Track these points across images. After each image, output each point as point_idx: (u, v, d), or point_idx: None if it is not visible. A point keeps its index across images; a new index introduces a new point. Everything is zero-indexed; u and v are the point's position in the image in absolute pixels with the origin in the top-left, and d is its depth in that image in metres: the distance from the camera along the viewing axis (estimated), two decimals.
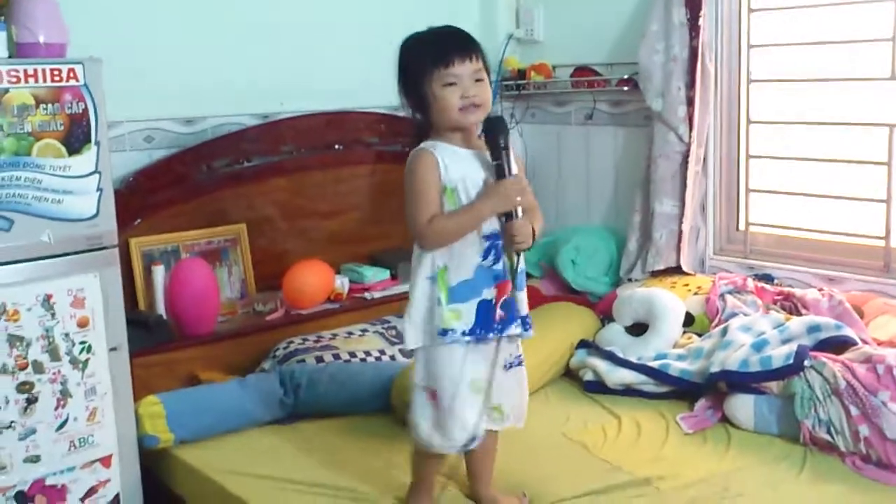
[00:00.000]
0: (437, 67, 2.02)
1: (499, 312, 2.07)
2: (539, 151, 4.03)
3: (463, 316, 2.05)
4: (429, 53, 2.05)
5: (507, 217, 2.04)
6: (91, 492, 2.44)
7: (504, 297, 2.07)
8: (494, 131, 2.04)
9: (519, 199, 2.02)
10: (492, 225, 2.06)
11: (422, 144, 2.08)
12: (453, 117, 2.04)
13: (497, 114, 2.07)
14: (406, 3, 3.68)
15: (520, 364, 2.19)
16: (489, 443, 2.24)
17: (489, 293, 2.06)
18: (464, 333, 2.05)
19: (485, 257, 2.06)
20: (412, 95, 2.10)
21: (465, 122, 2.05)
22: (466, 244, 2.05)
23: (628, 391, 2.87)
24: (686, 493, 2.25)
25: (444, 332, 2.04)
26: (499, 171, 2.03)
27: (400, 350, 3.01)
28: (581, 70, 3.75)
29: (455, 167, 2.04)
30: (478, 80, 2.05)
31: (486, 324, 2.06)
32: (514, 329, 2.11)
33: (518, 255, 2.08)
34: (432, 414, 2.11)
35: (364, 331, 3.12)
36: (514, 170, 2.06)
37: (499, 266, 2.06)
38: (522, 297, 2.13)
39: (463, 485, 2.34)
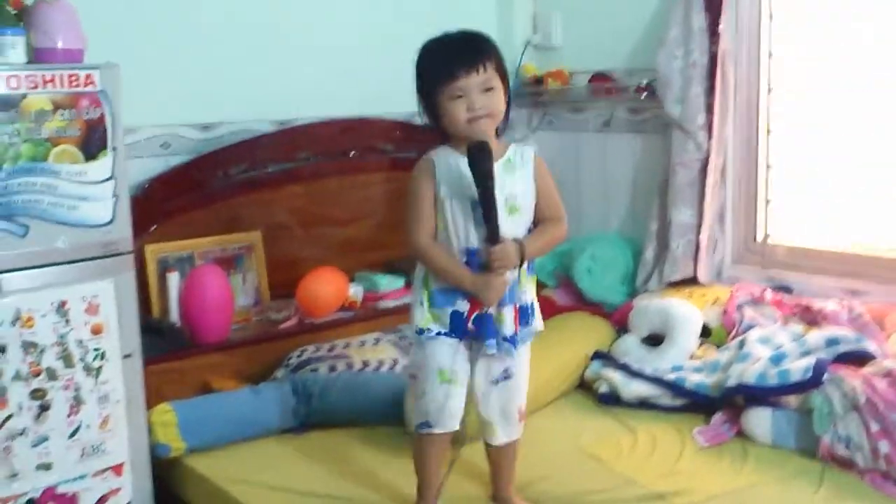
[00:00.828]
0: (444, 81, 2.04)
1: (470, 326, 2.09)
2: (556, 159, 3.99)
3: (440, 320, 2.11)
4: (436, 66, 2.07)
5: (492, 240, 2.03)
6: (102, 500, 2.43)
7: (477, 313, 2.08)
8: (474, 161, 2.00)
9: (495, 299, 2.05)
10: (471, 240, 2.07)
11: (430, 152, 2.12)
12: (461, 129, 2.06)
13: (480, 139, 2.03)
14: (423, 9, 3.67)
15: (508, 378, 2.19)
16: (504, 450, 2.27)
17: (462, 305, 2.09)
18: (439, 333, 2.11)
19: None
20: (426, 104, 2.13)
21: (474, 133, 2.05)
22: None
23: (644, 404, 2.84)
24: None
25: (420, 332, 2.11)
26: (484, 202, 2.00)
27: None
28: (598, 76, 3.73)
29: (449, 176, 2.07)
30: (487, 90, 2.05)
31: (459, 332, 2.11)
32: (488, 350, 2.10)
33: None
34: (414, 395, 2.20)
35: (377, 340, 3.10)
36: (498, 194, 2.02)
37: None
38: (505, 312, 2.10)
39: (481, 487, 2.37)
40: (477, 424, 2.27)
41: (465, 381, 2.17)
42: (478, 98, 2.04)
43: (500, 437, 2.25)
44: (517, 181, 2.11)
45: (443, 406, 2.15)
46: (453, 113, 2.05)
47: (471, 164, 2.01)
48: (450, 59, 2.06)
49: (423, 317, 2.11)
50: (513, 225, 2.09)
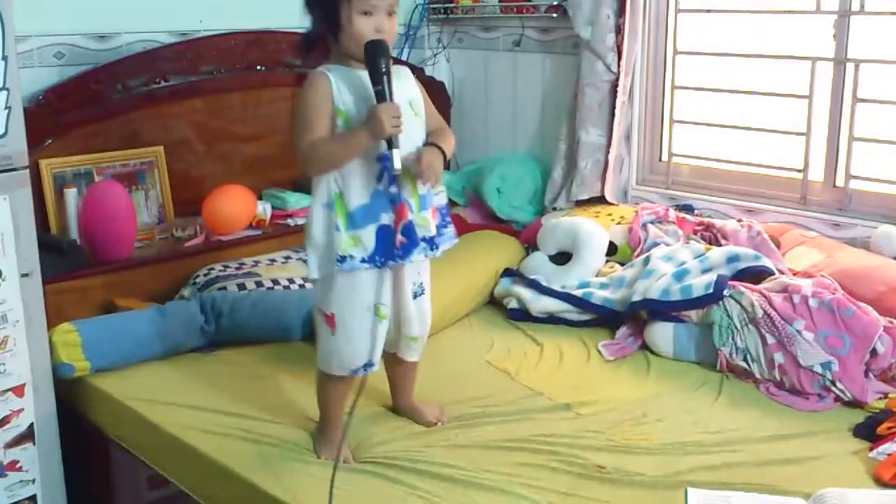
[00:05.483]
0: None
1: (399, 238, 2.00)
2: (466, 77, 3.98)
3: (362, 242, 2.00)
4: None
5: (389, 144, 1.95)
6: (4, 422, 2.35)
7: (403, 222, 2.00)
8: (374, 55, 1.95)
9: (392, 125, 1.92)
10: (382, 147, 1.98)
11: (319, 68, 2.03)
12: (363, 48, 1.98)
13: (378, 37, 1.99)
14: None
15: (423, 293, 2.18)
16: (409, 367, 2.28)
17: (388, 218, 2.00)
18: (363, 261, 2.00)
19: (379, 180, 2.00)
20: (322, 10, 2.03)
21: None
22: (361, 167, 1.99)
23: (551, 319, 2.90)
24: (606, 418, 2.29)
25: (342, 259, 1.99)
26: (379, 96, 1.95)
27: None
28: None
29: (350, 90, 1.99)
30: (391, 14, 2.01)
31: (387, 250, 2.01)
32: (417, 255, 2.04)
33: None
34: (330, 338, 2.10)
35: (287, 258, 3.07)
36: (397, 97, 1.97)
37: (394, 189, 2.00)
38: (427, 216, 2.07)
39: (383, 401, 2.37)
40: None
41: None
42: (385, 20, 1.99)
43: (417, 352, 2.24)
44: (411, 89, 2.09)
45: (376, 344, 2.10)
46: (361, 29, 1.97)
47: (369, 59, 1.94)
48: None
49: (341, 241, 1.97)
50: (418, 129, 2.07)
